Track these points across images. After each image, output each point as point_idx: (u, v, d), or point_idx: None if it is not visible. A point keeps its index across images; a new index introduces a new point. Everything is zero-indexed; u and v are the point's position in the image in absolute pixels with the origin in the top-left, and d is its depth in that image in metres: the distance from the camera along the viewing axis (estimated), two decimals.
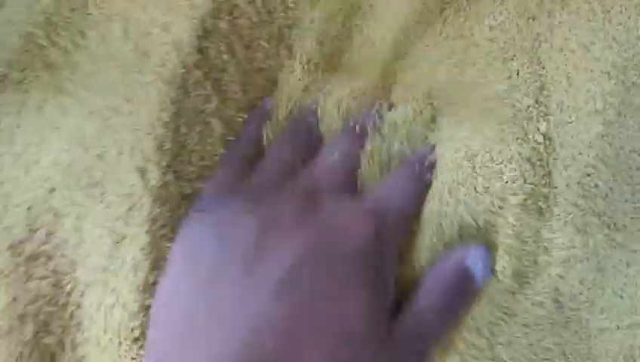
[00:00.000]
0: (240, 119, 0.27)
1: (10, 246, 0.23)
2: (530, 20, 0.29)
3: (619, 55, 0.28)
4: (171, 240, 0.24)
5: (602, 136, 0.27)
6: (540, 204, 0.25)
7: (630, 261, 0.26)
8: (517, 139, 0.26)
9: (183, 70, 0.25)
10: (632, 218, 0.26)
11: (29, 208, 0.24)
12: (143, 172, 0.24)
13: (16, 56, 0.26)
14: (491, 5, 0.29)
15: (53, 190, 0.24)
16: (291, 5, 0.28)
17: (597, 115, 0.27)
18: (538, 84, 0.28)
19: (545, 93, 0.27)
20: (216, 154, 0.26)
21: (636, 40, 0.28)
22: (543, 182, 0.26)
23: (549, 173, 0.26)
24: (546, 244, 0.25)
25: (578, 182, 0.26)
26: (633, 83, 0.28)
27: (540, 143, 0.26)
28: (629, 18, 0.28)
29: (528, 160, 0.26)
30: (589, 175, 0.26)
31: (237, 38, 0.27)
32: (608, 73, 0.27)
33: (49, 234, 0.24)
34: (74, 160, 0.24)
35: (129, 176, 0.24)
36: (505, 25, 0.29)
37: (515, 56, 0.28)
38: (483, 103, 0.27)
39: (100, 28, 0.27)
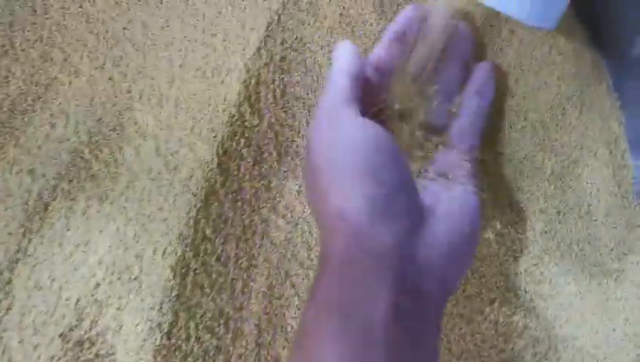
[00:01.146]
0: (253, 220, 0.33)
1: (61, 335, 0.29)
2: None
3: (557, 163, 0.35)
4: (197, 326, 0.29)
5: (545, 232, 0.34)
6: None
7: None
8: None
9: (206, 184, 0.31)
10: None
11: (77, 301, 0.29)
12: (174, 269, 0.30)
13: (65, 169, 0.32)
14: None
15: (98, 285, 0.30)
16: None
17: (541, 213, 0.34)
18: None
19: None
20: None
21: (571, 151, 0.36)
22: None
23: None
24: None
25: (525, 270, 0.33)
26: (570, 186, 0.35)
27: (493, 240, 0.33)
28: (564, 134, 0.36)
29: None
30: (534, 265, 0.33)
31: (248, 154, 0.33)
32: (548, 180, 0.35)
33: (93, 323, 0.29)
34: (116, 259, 0.30)
35: (163, 273, 0.30)
36: None
37: None
38: None
39: (135, 145, 0.33)
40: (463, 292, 0.33)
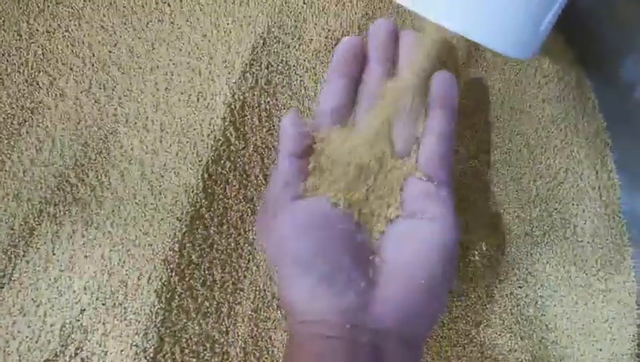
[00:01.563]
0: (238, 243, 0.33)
1: (46, 361, 0.29)
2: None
3: (542, 186, 0.36)
4: (183, 350, 0.30)
5: (530, 254, 0.34)
6: None
7: None
8: None
9: (192, 208, 0.32)
10: None
11: (62, 326, 0.30)
12: (159, 294, 0.30)
13: (50, 193, 0.33)
14: None
15: (83, 311, 0.30)
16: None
17: (526, 236, 0.35)
18: None
19: None
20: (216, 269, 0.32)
21: (556, 173, 0.36)
22: None
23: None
24: None
25: (511, 293, 0.33)
26: (555, 209, 0.36)
27: None
28: (549, 156, 0.36)
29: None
30: (520, 287, 0.34)
31: (234, 177, 0.34)
32: (533, 202, 0.35)
33: (78, 349, 0.30)
34: (101, 284, 0.30)
35: (148, 298, 0.30)
36: None
37: None
38: None
39: (121, 169, 0.34)
40: (449, 314, 0.33)
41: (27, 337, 0.30)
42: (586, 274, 0.35)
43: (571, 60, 0.38)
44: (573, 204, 0.36)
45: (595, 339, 0.35)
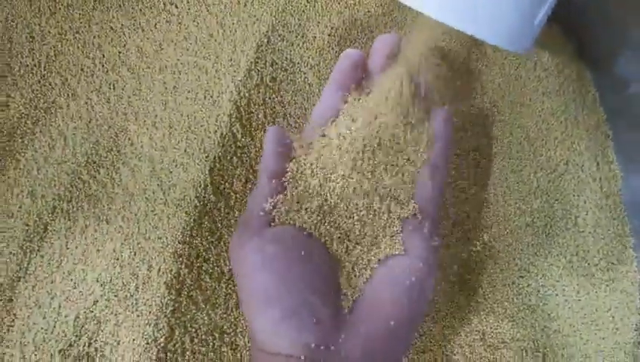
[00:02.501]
0: None
1: (61, 351, 0.31)
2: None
3: (543, 177, 0.37)
4: (192, 340, 0.31)
5: (532, 245, 0.35)
6: None
7: None
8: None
9: (200, 203, 0.33)
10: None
11: (76, 318, 0.31)
12: (169, 286, 0.32)
13: (63, 190, 0.34)
14: None
15: (96, 302, 0.32)
16: None
17: (527, 227, 0.36)
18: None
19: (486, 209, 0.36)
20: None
21: (557, 165, 0.37)
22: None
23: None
24: None
25: (513, 282, 0.35)
26: (556, 200, 0.37)
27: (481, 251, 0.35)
28: (550, 149, 0.38)
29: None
30: (521, 276, 0.35)
31: (241, 172, 0.35)
32: (534, 193, 0.36)
33: (92, 339, 0.31)
34: (113, 277, 0.32)
35: (158, 290, 0.31)
36: None
37: None
38: None
39: (131, 166, 0.35)
40: (452, 303, 0.34)
41: (42, 328, 0.31)
42: (588, 264, 0.36)
43: (571, 54, 0.39)
44: (574, 196, 0.37)
45: (597, 328, 0.36)
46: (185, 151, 0.35)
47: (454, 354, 0.33)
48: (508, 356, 0.33)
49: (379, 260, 0.27)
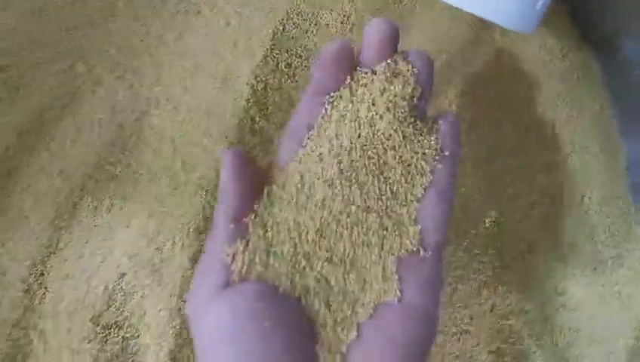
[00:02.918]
0: None
1: (91, 319, 0.33)
2: None
3: (549, 157, 0.39)
4: None
5: (540, 221, 0.37)
6: None
7: None
8: None
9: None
10: None
11: (104, 289, 0.34)
12: (191, 260, 0.34)
13: (90, 170, 0.37)
14: None
15: (123, 275, 0.34)
16: None
17: (535, 204, 0.38)
18: None
19: None
20: None
21: (563, 146, 0.39)
22: None
23: None
24: None
25: (522, 256, 0.36)
26: (562, 179, 0.38)
27: None
28: (556, 130, 0.39)
29: None
30: (529, 252, 0.36)
31: (257, 153, 0.37)
32: (541, 172, 0.38)
33: (119, 309, 0.33)
34: (139, 251, 0.34)
35: (181, 263, 0.34)
36: None
37: None
38: None
39: (154, 147, 0.37)
40: (462, 278, 0.36)
41: (73, 299, 0.33)
42: (594, 241, 0.38)
43: (576, 38, 0.40)
44: (580, 175, 0.38)
45: (604, 304, 0.37)
46: (204, 133, 0.37)
47: (464, 324, 0.35)
48: (517, 327, 0.35)
49: (369, 314, 0.22)
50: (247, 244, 0.22)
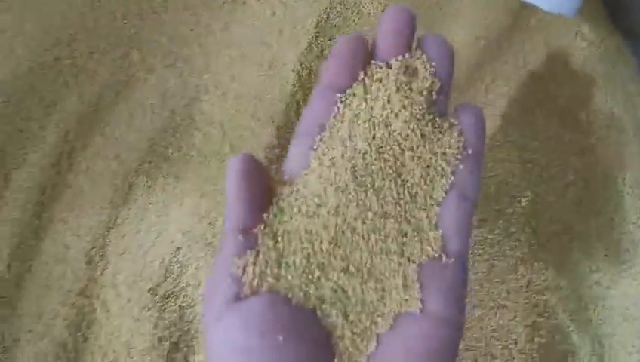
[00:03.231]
0: None
1: (150, 289, 0.35)
2: None
3: (584, 141, 0.40)
4: None
5: (574, 202, 0.39)
6: None
7: None
8: None
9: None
10: None
11: (161, 262, 0.36)
12: None
13: (144, 153, 0.39)
14: None
15: (178, 249, 0.36)
16: None
17: (570, 185, 0.39)
18: None
19: None
20: None
21: (597, 129, 0.40)
22: None
23: None
24: None
25: (556, 235, 0.38)
26: (596, 161, 0.40)
27: None
28: (590, 114, 0.41)
29: None
30: (565, 232, 0.38)
31: None
32: (576, 155, 0.40)
33: (175, 280, 0.36)
34: (192, 227, 0.37)
35: None
36: None
37: None
38: None
39: (204, 131, 0.40)
40: (498, 256, 0.38)
41: (132, 271, 0.36)
42: (627, 222, 0.39)
43: (611, 25, 0.42)
44: (614, 158, 0.40)
45: (637, 283, 0.39)
46: (252, 117, 0.40)
47: (501, 299, 0.36)
48: (552, 302, 0.37)
49: (390, 325, 0.21)
50: (257, 256, 0.21)
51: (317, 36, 0.41)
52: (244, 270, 0.21)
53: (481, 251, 0.38)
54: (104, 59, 0.41)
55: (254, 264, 0.21)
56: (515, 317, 0.36)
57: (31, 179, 0.38)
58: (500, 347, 0.36)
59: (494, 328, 0.36)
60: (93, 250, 0.37)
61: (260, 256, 0.21)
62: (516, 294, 0.37)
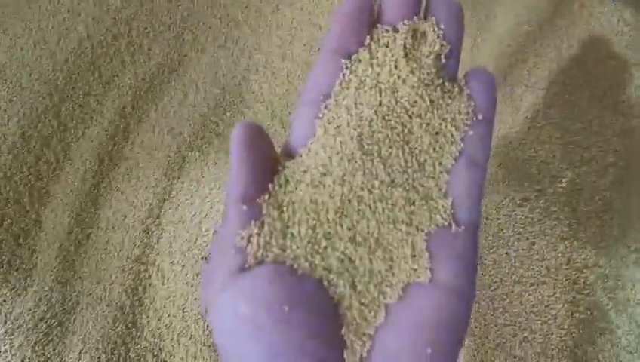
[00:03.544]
0: None
1: (203, 257, 0.37)
2: None
3: (625, 122, 0.41)
4: None
5: (614, 183, 0.40)
6: None
7: None
8: None
9: None
10: None
11: (214, 232, 0.38)
12: None
13: (197, 128, 0.41)
14: None
15: None
16: None
17: (610, 166, 0.40)
18: None
19: None
20: None
21: (637, 110, 0.42)
22: None
23: None
24: None
25: (596, 213, 0.39)
26: (637, 143, 0.41)
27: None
28: (630, 96, 0.42)
29: None
30: (605, 211, 0.39)
31: None
32: (617, 136, 0.41)
33: None
34: None
35: None
36: None
37: None
38: None
39: (254, 109, 0.42)
40: (538, 230, 0.39)
41: (186, 240, 0.38)
42: None
43: None
44: None
45: None
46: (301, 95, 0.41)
47: (541, 276, 0.38)
48: (590, 280, 0.38)
49: (399, 295, 0.21)
50: (261, 226, 0.21)
51: None
52: (248, 240, 0.20)
53: (521, 230, 0.39)
54: (159, 39, 0.43)
55: (259, 234, 0.21)
56: (554, 294, 0.38)
57: (89, 151, 0.40)
58: (539, 322, 0.37)
59: (534, 304, 0.38)
60: (149, 219, 0.39)
61: (265, 226, 0.21)
62: (556, 271, 0.38)
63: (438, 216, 0.21)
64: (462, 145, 0.22)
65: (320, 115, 0.22)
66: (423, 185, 0.22)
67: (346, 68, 0.22)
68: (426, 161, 0.22)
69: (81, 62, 0.42)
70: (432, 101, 0.22)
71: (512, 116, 0.42)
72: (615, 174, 0.40)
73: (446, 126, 0.22)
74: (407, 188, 0.22)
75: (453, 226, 0.21)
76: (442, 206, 0.22)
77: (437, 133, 0.22)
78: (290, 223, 0.21)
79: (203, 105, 0.42)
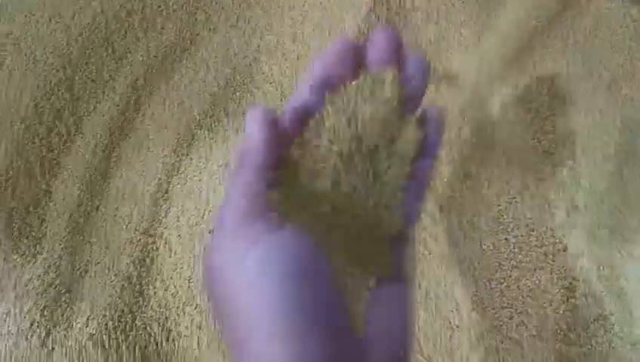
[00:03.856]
0: None
1: (210, 231, 0.39)
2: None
3: (626, 116, 0.43)
4: None
5: (613, 174, 0.41)
6: None
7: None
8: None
9: None
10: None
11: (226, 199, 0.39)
12: None
13: (206, 106, 0.42)
14: None
15: None
16: None
17: (610, 157, 0.42)
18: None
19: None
20: None
21: (638, 103, 0.43)
22: None
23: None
24: None
25: (597, 205, 0.40)
26: (638, 135, 0.42)
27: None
28: (635, 89, 0.43)
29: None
30: (602, 201, 0.41)
31: None
32: (618, 129, 0.42)
33: None
34: None
35: None
36: None
37: None
38: None
39: (264, 90, 0.43)
40: (538, 218, 0.40)
41: (194, 214, 0.39)
42: None
43: None
44: None
45: None
46: None
47: (539, 262, 0.39)
48: (586, 267, 0.39)
49: (372, 286, 0.24)
50: (284, 191, 0.24)
51: (375, 5, 0.43)
52: (273, 204, 0.23)
53: (521, 216, 0.40)
54: (172, 17, 0.44)
55: (282, 200, 0.24)
56: (551, 280, 0.39)
57: (101, 125, 0.41)
58: (535, 306, 0.39)
59: (531, 288, 0.39)
60: (158, 193, 0.40)
61: (288, 190, 0.24)
62: (553, 258, 0.39)
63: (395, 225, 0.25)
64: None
65: (304, 131, 0.25)
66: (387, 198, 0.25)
67: (328, 102, 0.25)
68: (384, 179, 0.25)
69: (94, 37, 0.43)
70: (391, 137, 0.25)
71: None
72: (614, 165, 0.41)
73: (399, 157, 0.25)
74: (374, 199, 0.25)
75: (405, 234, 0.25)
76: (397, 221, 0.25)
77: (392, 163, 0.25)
78: (310, 188, 0.24)
79: (213, 85, 0.43)
